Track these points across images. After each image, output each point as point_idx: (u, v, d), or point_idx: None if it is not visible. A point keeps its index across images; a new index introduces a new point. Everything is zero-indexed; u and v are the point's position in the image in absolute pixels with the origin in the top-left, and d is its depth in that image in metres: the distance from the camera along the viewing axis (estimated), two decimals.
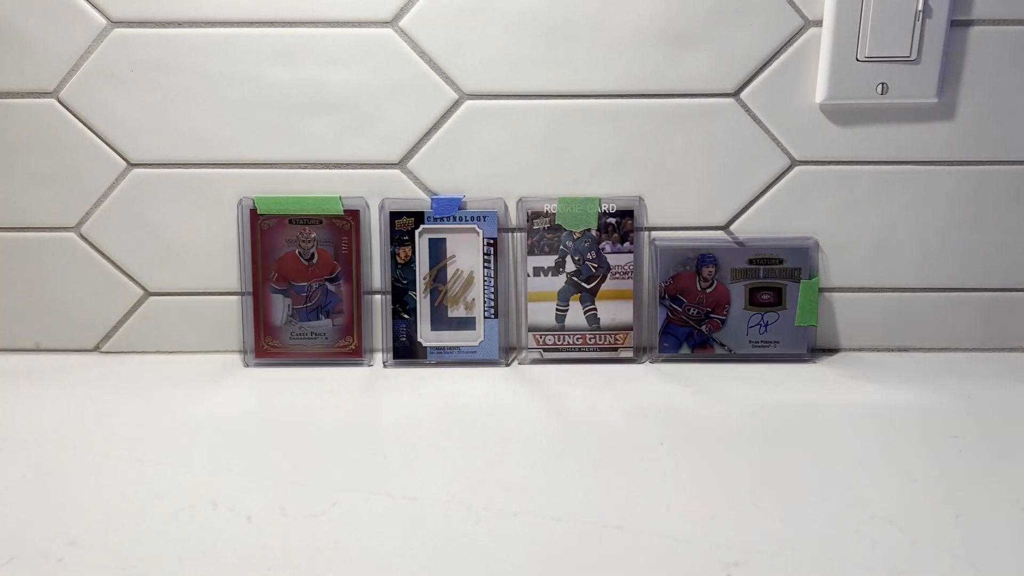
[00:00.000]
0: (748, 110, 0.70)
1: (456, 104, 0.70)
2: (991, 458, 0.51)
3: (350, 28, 0.68)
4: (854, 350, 0.74)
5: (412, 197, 0.71)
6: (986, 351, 0.74)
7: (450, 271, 0.71)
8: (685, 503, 0.45)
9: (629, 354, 0.72)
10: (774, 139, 0.70)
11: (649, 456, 0.52)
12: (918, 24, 0.66)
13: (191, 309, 0.73)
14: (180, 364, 0.71)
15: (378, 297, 0.73)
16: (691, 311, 0.71)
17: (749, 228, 0.72)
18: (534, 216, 0.71)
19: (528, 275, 0.71)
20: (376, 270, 0.72)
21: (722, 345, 0.71)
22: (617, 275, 0.71)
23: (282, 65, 0.69)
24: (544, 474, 0.50)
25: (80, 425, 0.58)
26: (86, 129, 0.70)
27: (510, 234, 0.72)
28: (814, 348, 0.73)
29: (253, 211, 0.70)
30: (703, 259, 0.71)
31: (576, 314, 0.71)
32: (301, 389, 0.65)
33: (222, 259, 0.72)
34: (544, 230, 0.71)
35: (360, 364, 0.72)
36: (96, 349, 0.75)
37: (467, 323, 0.71)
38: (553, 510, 0.45)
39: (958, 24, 0.67)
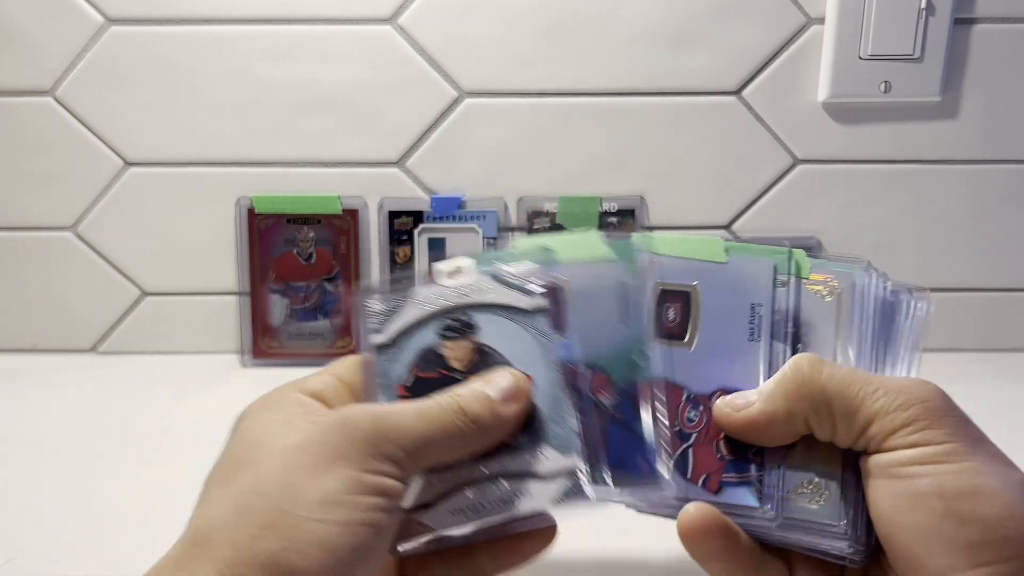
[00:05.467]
0: (750, 108, 0.69)
1: (456, 102, 0.69)
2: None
3: (348, 25, 0.68)
4: None
5: (411, 196, 0.71)
6: (989, 351, 0.73)
7: None
8: None
9: None
10: (776, 138, 0.70)
11: None
12: (921, 22, 0.65)
13: (188, 309, 0.73)
14: (177, 365, 0.71)
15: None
16: None
17: (751, 227, 0.71)
18: (534, 215, 0.70)
19: None
20: (375, 270, 0.72)
21: None
22: None
23: (280, 63, 0.68)
24: None
25: (76, 426, 0.58)
26: (83, 128, 0.69)
27: (510, 234, 0.71)
28: None
29: (251, 210, 0.70)
30: None
31: None
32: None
33: (219, 259, 0.72)
34: (544, 230, 0.70)
35: None
36: (93, 349, 0.74)
37: None
38: None
39: (961, 22, 0.67)
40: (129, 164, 0.70)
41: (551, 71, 0.69)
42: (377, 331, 0.34)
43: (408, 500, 0.30)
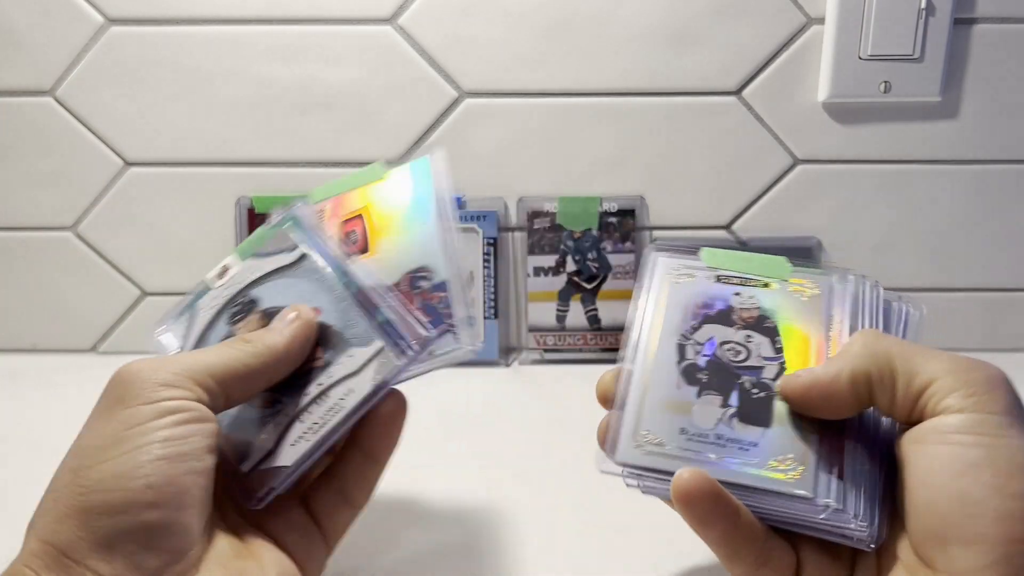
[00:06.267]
0: (750, 108, 0.69)
1: (456, 102, 0.69)
2: None
3: (349, 25, 0.68)
4: None
5: None
6: (990, 351, 0.73)
7: None
8: None
9: None
10: (776, 138, 0.70)
11: None
12: (921, 22, 0.65)
13: None
14: None
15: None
16: None
17: (751, 227, 0.71)
18: (534, 215, 0.70)
19: (528, 275, 0.71)
20: None
21: None
22: (618, 275, 0.71)
23: (280, 63, 0.68)
24: (544, 476, 0.49)
25: (76, 426, 0.58)
26: (83, 128, 0.69)
27: (510, 234, 0.71)
28: None
29: (251, 210, 0.70)
30: None
31: (577, 314, 0.71)
32: None
33: (220, 259, 0.71)
34: (544, 230, 0.70)
35: None
36: (92, 350, 0.74)
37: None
38: (552, 512, 0.45)
39: (961, 22, 0.67)
40: (129, 164, 0.70)
41: (551, 71, 0.69)
42: (179, 350, 0.37)
43: (253, 457, 0.33)
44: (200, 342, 0.37)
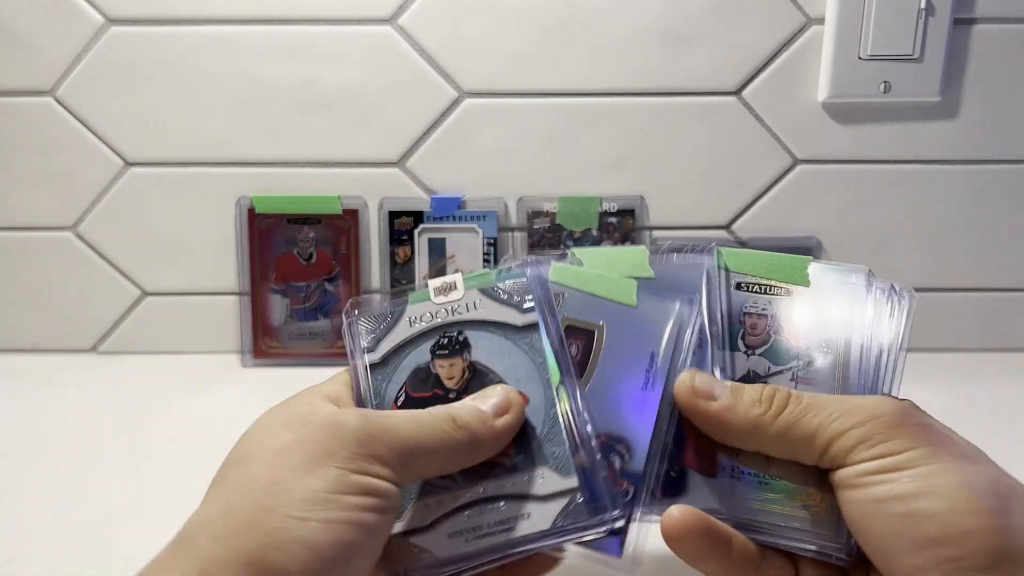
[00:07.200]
0: (750, 108, 0.69)
1: (456, 102, 0.69)
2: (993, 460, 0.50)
3: (349, 26, 0.68)
4: None
5: (411, 196, 0.71)
6: (990, 351, 0.73)
7: (450, 271, 0.71)
8: None
9: None
10: (776, 138, 0.70)
11: None
12: (921, 22, 0.65)
13: (188, 309, 0.73)
14: (177, 364, 0.71)
15: (377, 297, 0.72)
16: None
17: (751, 227, 0.71)
18: (534, 215, 0.70)
19: None
20: (375, 270, 0.72)
21: None
22: None
23: (280, 63, 0.68)
24: None
25: (76, 426, 0.58)
26: (83, 128, 0.69)
27: (510, 234, 0.71)
28: None
29: (251, 210, 0.70)
30: None
31: None
32: (299, 390, 0.65)
33: (220, 259, 0.72)
34: (544, 230, 0.70)
35: None
36: (93, 349, 0.74)
37: None
38: None
39: (961, 22, 0.67)
40: (129, 164, 0.70)
41: (551, 71, 0.69)
42: (370, 349, 0.35)
43: (405, 522, 0.30)
44: (393, 355, 0.34)
